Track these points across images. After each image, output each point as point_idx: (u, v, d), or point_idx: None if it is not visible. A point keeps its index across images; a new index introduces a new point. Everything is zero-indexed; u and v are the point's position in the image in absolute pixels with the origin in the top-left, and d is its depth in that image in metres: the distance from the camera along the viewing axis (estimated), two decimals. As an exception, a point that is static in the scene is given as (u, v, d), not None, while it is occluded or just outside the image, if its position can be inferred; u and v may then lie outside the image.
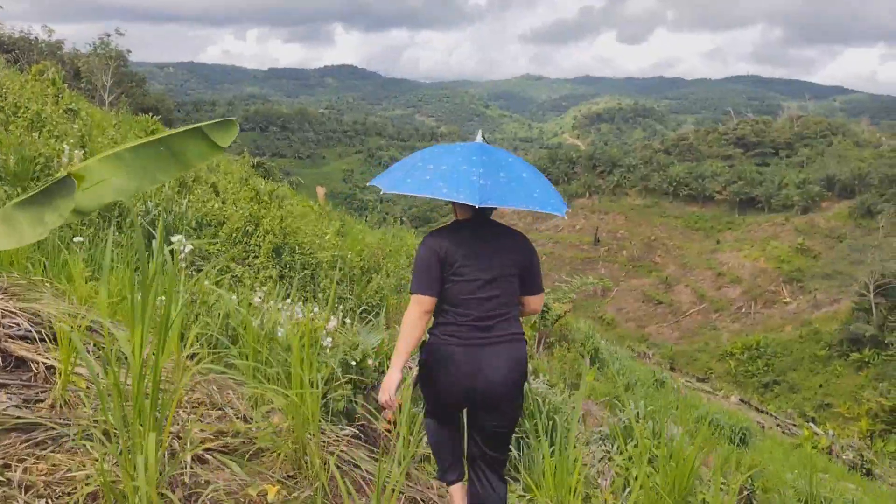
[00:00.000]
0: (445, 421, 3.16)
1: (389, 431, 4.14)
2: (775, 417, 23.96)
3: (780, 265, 77.07)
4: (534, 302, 3.14)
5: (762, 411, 24.83)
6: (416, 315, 2.86)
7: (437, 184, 2.74)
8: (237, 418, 3.26)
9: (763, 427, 18.22)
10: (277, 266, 7.99)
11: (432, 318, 2.97)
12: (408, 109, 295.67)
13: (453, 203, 2.93)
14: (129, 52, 41.46)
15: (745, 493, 7.49)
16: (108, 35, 39.29)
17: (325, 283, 8.62)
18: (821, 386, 55.03)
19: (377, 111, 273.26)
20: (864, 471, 17.74)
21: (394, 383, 2.85)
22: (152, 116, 17.94)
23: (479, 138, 3.18)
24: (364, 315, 9.19)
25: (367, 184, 3.62)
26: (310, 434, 3.11)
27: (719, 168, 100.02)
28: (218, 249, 6.50)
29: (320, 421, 3.31)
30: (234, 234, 7.74)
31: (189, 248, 4.07)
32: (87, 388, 2.92)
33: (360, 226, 18.55)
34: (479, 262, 2.89)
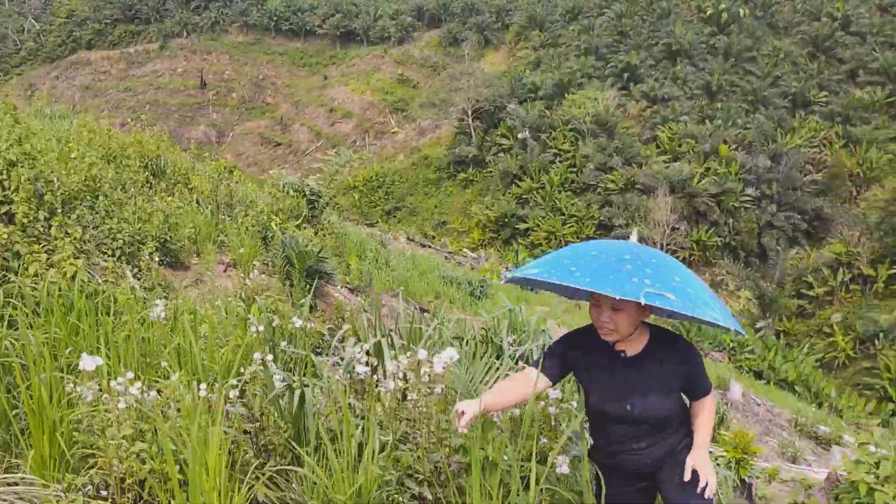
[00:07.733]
0: None
1: None
2: (437, 249, 25.95)
3: (385, 97, 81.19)
4: None
5: (427, 246, 26.61)
6: None
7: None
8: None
9: (460, 265, 19.48)
10: (46, 212, 5.06)
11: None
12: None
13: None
14: None
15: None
16: None
17: (112, 225, 6.10)
18: (436, 206, 61.10)
19: None
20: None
21: None
22: None
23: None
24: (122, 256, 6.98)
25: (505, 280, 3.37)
26: None
27: (316, 0, 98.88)
28: None
29: None
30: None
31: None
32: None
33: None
34: None
